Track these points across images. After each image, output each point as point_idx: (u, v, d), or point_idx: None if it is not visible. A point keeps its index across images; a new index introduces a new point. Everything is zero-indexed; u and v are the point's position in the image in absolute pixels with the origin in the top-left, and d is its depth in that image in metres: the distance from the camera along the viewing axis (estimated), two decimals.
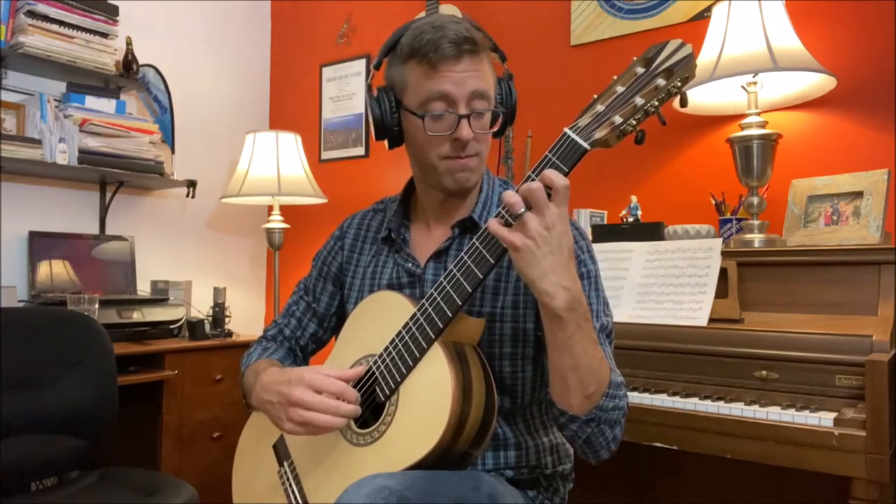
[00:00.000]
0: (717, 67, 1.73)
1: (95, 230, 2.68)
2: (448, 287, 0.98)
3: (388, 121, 1.10)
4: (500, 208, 0.93)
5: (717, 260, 1.63)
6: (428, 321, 0.99)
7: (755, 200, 1.77)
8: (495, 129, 1.11)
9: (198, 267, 3.04)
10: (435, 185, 1.13)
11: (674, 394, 1.51)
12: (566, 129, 0.91)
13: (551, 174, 0.87)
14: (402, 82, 1.09)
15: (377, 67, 1.15)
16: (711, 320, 1.57)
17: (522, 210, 0.88)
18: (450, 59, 1.02)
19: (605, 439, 0.98)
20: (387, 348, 1.03)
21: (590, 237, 1.39)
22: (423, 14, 2.57)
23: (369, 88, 1.13)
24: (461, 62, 1.03)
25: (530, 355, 1.10)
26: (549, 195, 0.87)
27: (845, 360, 1.38)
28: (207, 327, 2.56)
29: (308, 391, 0.99)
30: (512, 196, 0.88)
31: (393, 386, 1.01)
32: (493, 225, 0.91)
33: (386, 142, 1.14)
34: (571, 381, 0.93)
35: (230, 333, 2.62)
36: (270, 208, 2.88)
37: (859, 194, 1.64)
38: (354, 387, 1.05)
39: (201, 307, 2.76)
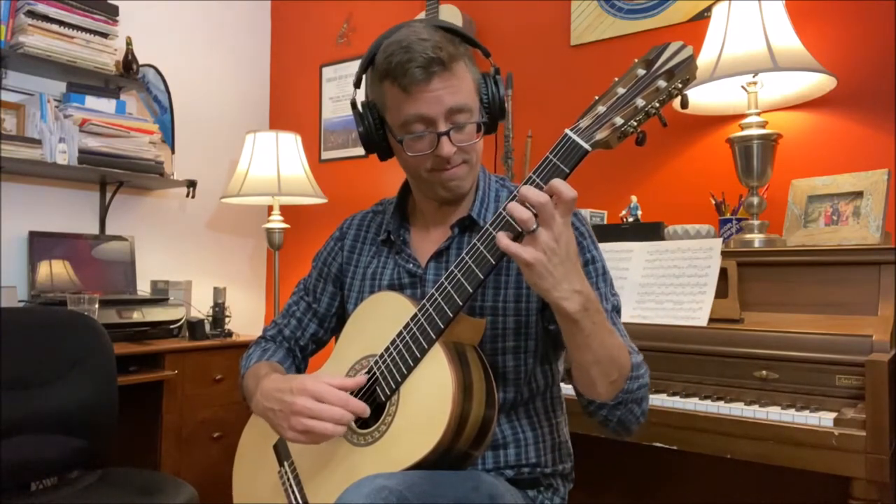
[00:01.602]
0: (717, 67, 1.73)
1: (95, 230, 2.68)
2: (449, 287, 0.98)
3: (375, 137, 1.12)
4: (500, 216, 0.93)
5: (717, 260, 1.63)
6: (429, 321, 0.99)
7: (755, 200, 1.77)
8: (479, 137, 1.10)
9: (198, 267, 3.04)
10: (429, 195, 1.14)
11: (674, 394, 1.51)
12: (567, 131, 0.91)
13: (559, 185, 0.87)
14: (381, 101, 1.10)
15: (357, 85, 1.15)
16: (711, 320, 1.57)
17: (535, 226, 0.87)
18: (420, 83, 1.02)
19: (634, 416, 1.03)
20: (387, 348, 1.03)
21: None
22: (422, 14, 2.57)
23: (354, 105, 1.14)
24: (432, 82, 1.02)
25: (532, 348, 1.11)
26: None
27: (845, 360, 1.38)
28: (207, 327, 2.56)
29: (310, 400, 0.99)
30: (523, 212, 0.87)
31: (394, 386, 1.01)
32: (503, 241, 0.89)
33: (376, 155, 1.15)
34: (595, 374, 0.96)
35: (230, 333, 2.62)
36: (270, 208, 2.88)
37: (859, 194, 1.64)
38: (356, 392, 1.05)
39: (201, 307, 2.76)
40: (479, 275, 0.96)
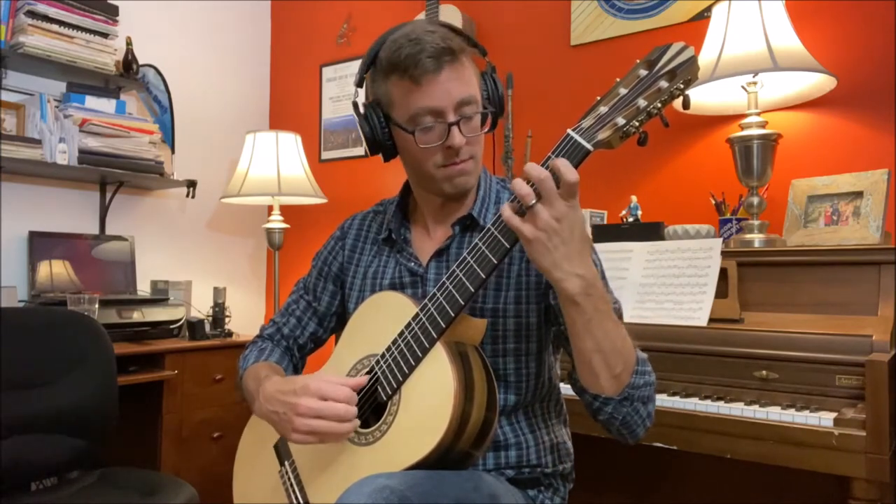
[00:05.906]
0: (717, 67, 1.73)
1: (95, 230, 2.68)
2: (450, 287, 0.98)
3: (380, 136, 1.11)
4: (500, 217, 0.93)
5: (717, 260, 1.63)
6: (430, 321, 0.99)
7: (755, 200, 1.78)
8: (486, 129, 1.11)
9: (198, 267, 3.04)
10: (434, 191, 1.14)
11: (674, 394, 1.51)
12: (569, 131, 0.91)
13: (560, 165, 0.87)
14: (387, 98, 1.09)
15: (359, 85, 1.15)
16: (711, 320, 1.57)
17: (533, 202, 0.87)
18: (431, 73, 1.02)
19: (640, 417, 0.99)
20: (389, 348, 1.03)
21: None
22: (422, 15, 2.57)
23: (356, 106, 1.14)
24: (442, 73, 1.03)
25: (534, 350, 1.11)
26: (557, 184, 0.87)
27: (845, 360, 1.38)
28: (207, 327, 2.56)
29: (314, 399, 0.99)
30: (523, 187, 0.88)
31: (395, 385, 1.01)
32: (507, 212, 0.90)
33: (381, 156, 1.14)
34: (597, 364, 0.94)
35: (230, 333, 2.61)
36: (270, 208, 2.88)
37: (859, 194, 1.65)
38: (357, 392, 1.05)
39: (201, 307, 2.75)
40: (481, 274, 0.96)
